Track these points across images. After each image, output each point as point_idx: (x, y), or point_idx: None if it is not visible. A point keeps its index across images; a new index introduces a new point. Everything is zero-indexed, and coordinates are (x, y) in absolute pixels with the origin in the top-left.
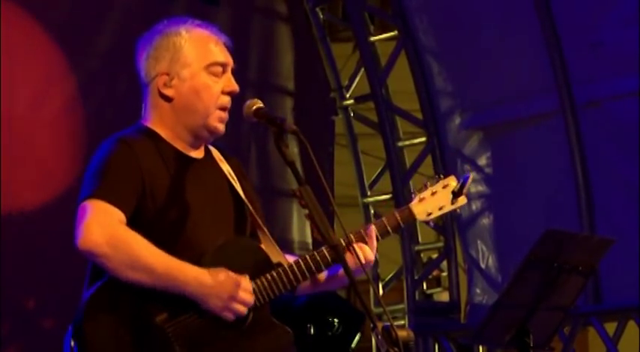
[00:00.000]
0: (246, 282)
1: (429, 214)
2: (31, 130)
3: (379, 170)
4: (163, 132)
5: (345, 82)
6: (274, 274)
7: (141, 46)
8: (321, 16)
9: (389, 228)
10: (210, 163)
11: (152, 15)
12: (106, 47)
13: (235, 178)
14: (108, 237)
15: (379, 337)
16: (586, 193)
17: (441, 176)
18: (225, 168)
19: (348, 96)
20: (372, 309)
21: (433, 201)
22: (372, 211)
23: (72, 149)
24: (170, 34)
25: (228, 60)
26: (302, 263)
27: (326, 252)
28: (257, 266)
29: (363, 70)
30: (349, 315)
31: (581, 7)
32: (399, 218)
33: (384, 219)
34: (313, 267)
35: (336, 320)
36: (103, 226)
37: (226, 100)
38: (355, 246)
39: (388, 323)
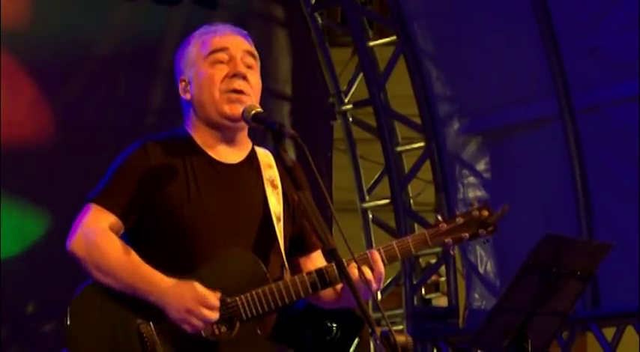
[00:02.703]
0: (212, 299)
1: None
2: (29, 134)
3: (378, 175)
4: (197, 137)
5: (344, 87)
6: (265, 290)
7: None
8: (320, 21)
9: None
10: (246, 169)
11: (150, 20)
12: (105, 53)
13: (278, 187)
14: (86, 241)
15: (378, 342)
16: (585, 198)
17: (474, 205)
18: (269, 175)
19: (346, 101)
20: (371, 314)
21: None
22: (371, 216)
23: (70, 153)
24: (184, 45)
25: (231, 45)
26: (298, 282)
27: (325, 271)
28: (249, 280)
29: (361, 74)
30: (347, 320)
31: (580, 11)
32: (411, 244)
33: (408, 239)
34: (309, 287)
35: (334, 325)
36: (87, 231)
37: (234, 83)
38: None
39: (387, 329)
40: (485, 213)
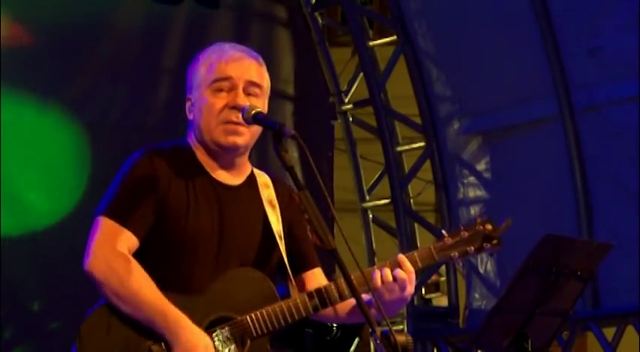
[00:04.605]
0: None
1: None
2: (36, 135)
3: (378, 175)
4: (199, 154)
5: (344, 87)
6: (275, 307)
7: None
8: (320, 21)
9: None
10: (246, 190)
11: (154, 19)
12: (109, 52)
13: (276, 208)
14: (106, 265)
15: (378, 342)
16: (584, 198)
17: (478, 220)
18: (267, 195)
19: (347, 100)
20: (371, 314)
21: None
22: (371, 216)
23: (75, 154)
24: (195, 61)
25: (237, 74)
26: (307, 298)
27: (334, 287)
28: (259, 298)
29: (362, 74)
30: None
31: (580, 12)
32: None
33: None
34: (319, 303)
35: (334, 324)
36: (105, 253)
37: (231, 115)
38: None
39: (387, 328)
40: (489, 226)
